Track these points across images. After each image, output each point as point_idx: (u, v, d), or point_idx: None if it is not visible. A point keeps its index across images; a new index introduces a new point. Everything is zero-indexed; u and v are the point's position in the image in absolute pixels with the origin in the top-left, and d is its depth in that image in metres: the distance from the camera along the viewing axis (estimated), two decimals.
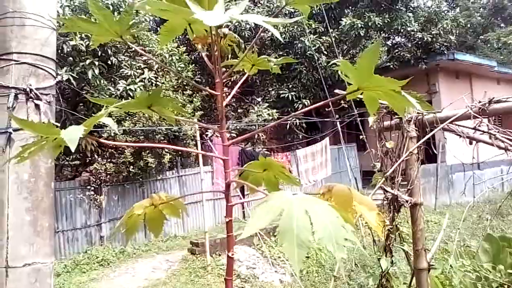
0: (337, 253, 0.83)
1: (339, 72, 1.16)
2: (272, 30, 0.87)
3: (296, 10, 12.19)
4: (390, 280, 2.32)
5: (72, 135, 0.96)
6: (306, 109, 1.34)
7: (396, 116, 2.26)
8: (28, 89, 2.28)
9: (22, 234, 2.15)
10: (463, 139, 2.34)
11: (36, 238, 2.20)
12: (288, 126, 11.94)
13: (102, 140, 1.18)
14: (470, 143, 2.41)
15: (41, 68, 2.37)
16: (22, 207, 2.21)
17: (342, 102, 8.30)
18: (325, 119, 11.13)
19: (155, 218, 1.54)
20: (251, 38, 12.40)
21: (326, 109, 9.02)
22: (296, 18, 1.18)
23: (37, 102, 2.31)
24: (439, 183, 12.72)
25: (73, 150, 0.94)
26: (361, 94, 1.18)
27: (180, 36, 12.19)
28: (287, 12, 12.84)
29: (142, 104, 1.36)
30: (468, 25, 22.10)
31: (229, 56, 1.39)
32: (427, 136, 2.07)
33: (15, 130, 2.28)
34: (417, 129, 2.20)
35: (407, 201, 2.07)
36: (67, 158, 9.83)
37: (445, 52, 13.82)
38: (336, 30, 13.49)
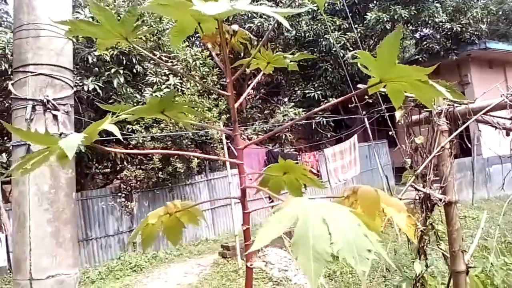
0: (359, 266, 0.74)
1: (359, 65, 1.06)
2: (281, 20, 0.79)
3: (318, 8, 12.04)
4: (425, 284, 2.18)
5: (70, 144, 0.91)
6: (325, 105, 1.25)
7: (425, 110, 2.12)
8: (45, 100, 2.27)
9: (44, 246, 2.13)
10: (499, 130, 2.18)
11: (58, 249, 2.18)
12: (313, 126, 11.77)
13: (107, 148, 1.11)
14: (507, 134, 2.25)
15: (58, 79, 2.35)
16: (43, 219, 2.19)
17: (366, 97, 8.06)
18: (353, 116, 10.91)
19: (172, 227, 1.48)
20: (275, 38, 12.34)
21: (351, 106, 8.82)
22: (305, 8, 1.08)
23: (54, 112, 2.30)
24: (475, 177, 12.26)
25: (70, 158, 0.88)
26: (384, 87, 1.08)
27: None
28: (310, 11, 12.70)
29: (154, 109, 1.31)
30: (500, 12, 21.28)
31: (242, 54, 1.31)
32: (459, 129, 1.93)
33: None
34: (448, 122, 2.06)
35: (440, 200, 1.93)
36: (99, 166, 10.00)
37: (476, 41, 13.35)
38: (361, 25, 13.23)
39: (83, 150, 7.10)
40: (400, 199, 1.91)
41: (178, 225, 1.47)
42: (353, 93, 1.24)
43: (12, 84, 2.33)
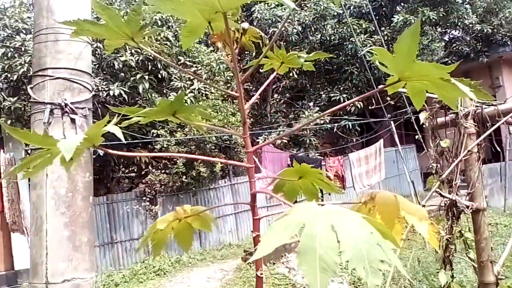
0: (370, 278, 0.67)
1: (377, 63, 0.99)
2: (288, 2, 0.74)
3: (344, 12, 11.91)
4: None
5: (68, 145, 0.87)
6: (342, 105, 1.19)
7: (451, 111, 2.01)
8: (63, 104, 2.28)
9: (60, 250, 2.13)
10: None
11: (75, 253, 2.18)
12: (334, 129, 11.61)
13: (113, 152, 1.08)
14: None
15: (76, 82, 2.36)
16: (60, 223, 2.19)
17: (389, 98, 7.89)
18: (378, 120, 10.71)
19: (183, 232, 1.44)
20: (299, 42, 12.24)
21: (376, 109, 8.64)
22: None
23: (72, 116, 2.30)
24: (508, 183, 11.82)
25: (67, 160, 0.85)
26: (404, 86, 1.01)
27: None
28: (335, 14, 12.56)
29: (166, 112, 1.27)
30: None
31: (253, 53, 1.26)
32: (487, 132, 1.82)
33: None
34: (476, 124, 1.95)
35: (467, 207, 1.82)
36: (125, 170, 10.13)
37: (508, 43, 12.92)
38: (388, 28, 13.00)
39: (101, 154, 7.15)
40: (424, 206, 1.81)
41: (189, 230, 1.43)
42: (371, 92, 1.16)
43: (31, 88, 2.36)
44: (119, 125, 1.25)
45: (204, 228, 1.45)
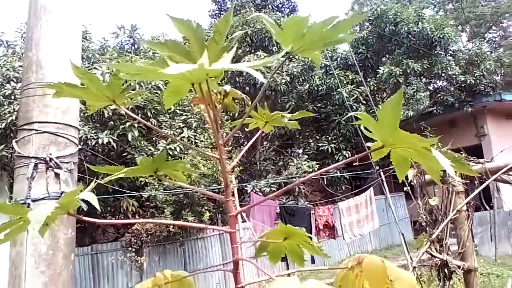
0: None
1: (362, 127, 0.99)
2: (253, 73, 0.74)
3: (331, 62, 12.26)
4: None
5: (38, 217, 0.84)
6: (340, 163, 1.17)
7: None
8: (48, 158, 2.24)
9: None
10: None
11: None
12: (325, 180, 11.61)
13: (86, 218, 1.04)
14: None
15: (62, 136, 2.34)
16: (39, 282, 2.10)
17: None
18: (366, 171, 10.75)
19: None
20: (287, 92, 12.46)
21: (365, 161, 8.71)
22: (276, 57, 1.03)
23: (57, 171, 2.26)
24: (498, 231, 11.77)
25: (36, 230, 0.82)
26: (389, 152, 1.00)
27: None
28: (323, 65, 12.89)
29: (147, 169, 1.26)
30: None
31: (236, 114, 1.26)
32: (476, 191, 1.81)
33: (34, 200, 2.22)
34: (464, 182, 1.94)
35: (459, 267, 1.78)
36: (112, 219, 9.92)
37: (491, 93, 13.32)
38: (374, 79, 13.35)
39: (85, 209, 6.99)
40: (415, 267, 1.77)
41: None
42: (356, 156, 1.16)
43: (16, 142, 2.32)
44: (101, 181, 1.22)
45: None
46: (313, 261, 8.94)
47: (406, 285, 1.05)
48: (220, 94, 1.20)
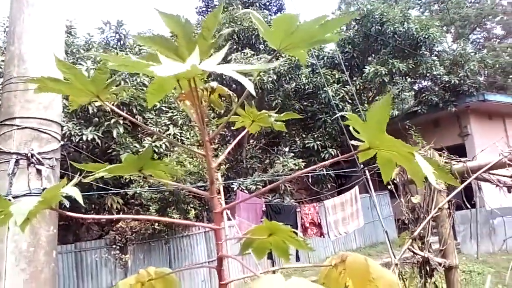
0: None
1: (350, 128, 0.99)
2: (243, 81, 0.73)
3: (318, 61, 12.29)
4: None
5: (21, 210, 0.83)
6: (327, 162, 1.18)
7: None
8: (29, 154, 2.21)
9: None
10: (499, 188, 2.09)
11: None
12: (309, 177, 11.65)
13: (69, 213, 1.03)
14: (509, 191, 2.16)
15: (45, 132, 2.30)
16: (19, 280, 2.06)
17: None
18: (352, 170, 10.83)
19: None
20: (274, 90, 12.47)
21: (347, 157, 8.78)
22: (271, 65, 1.03)
23: (38, 167, 2.23)
24: (479, 229, 11.97)
25: (18, 224, 0.80)
26: (375, 154, 1.00)
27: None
28: (309, 63, 12.93)
29: (132, 167, 1.23)
30: (497, 65, 21.76)
31: (222, 112, 1.26)
32: (457, 190, 1.84)
33: (15, 197, 2.18)
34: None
35: (440, 264, 1.80)
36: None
37: (475, 93, 13.53)
38: (360, 78, 13.45)
39: (67, 206, 6.92)
40: (397, 264, 1.79)
41: None
42: (343, 157, 1.16)
43: None
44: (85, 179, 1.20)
45: None
46: (298, 259, 8.98)
47: (388, 284, 1.06)
48: (207, 90, 1.19)
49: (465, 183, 1.86)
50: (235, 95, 1.29)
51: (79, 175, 1.15)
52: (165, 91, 1.26)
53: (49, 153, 2.31)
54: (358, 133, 0.95)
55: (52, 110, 2.37)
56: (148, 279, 1.32)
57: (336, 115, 11.16)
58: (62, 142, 2.46)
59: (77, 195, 0.96)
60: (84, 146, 8.42)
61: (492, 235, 12.71)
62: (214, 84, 1.18)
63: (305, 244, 1.39)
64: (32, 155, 2.22)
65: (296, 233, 1.33)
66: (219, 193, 7.96)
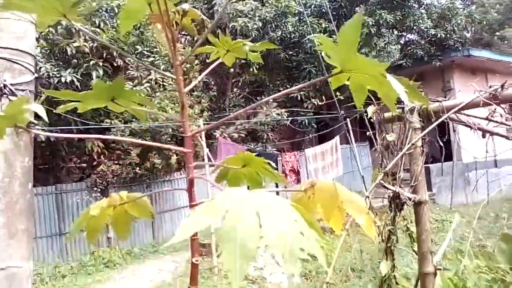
0: (287, 266, 0.65)
1: (322, 53, 0.99)
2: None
3: (305, 10, 12.00)
4: (391, 285, 2.12)
5: None
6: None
7: (398, 106, 2.06)
8: (1, 85, 2.15)
9: None
10: (474, 131, 2.14)
11: (10, 241, 2.07)
12: (288, 123, 11.72)
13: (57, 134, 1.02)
14: (483, 136, 2.21)
15: (17, 63, 2.23)
16: None
17: (338, 93, 8.07)
18: (333, 115, 10.90)
19: (120, 220, 1.39)
20: (259, 38, 12.22)
21: (330, 106, 8.84)
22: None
23: (12, 98, 2.18)
24: (455, 181, 12.40)
25: None
26: (348, 79, 1.01)
27: (189, 37, 12.08)
28: (296, 11, 12.65)
29: (103, 96, 1.20)
30: (484, 22, 21.61)
31: (195, 38, 1.23)
32: (431, 126, 1.88)
33: None
34: (421, 119, 2.01)
35: (409, 199, 1.88)
36: (76, 160, 9.80)
37: (460, 48, 13.50)
38: None
39: (43, 140, 6.80)
40: (368, 197, 1.86)
41: (127, 218, 1.38)
42: (310, 82, 1.16)
43: None
44: (63, 112, 1.18)
45: (143, 215, 1.41)
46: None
47: (356, 208, 1.09)
48: (178, 13, 1.16)
49: (439, 120, 1.89)
50: (208, 20, 1.26)
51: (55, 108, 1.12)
52: (137, 17, 1.23)
53: (22, 85, 2.25)
54: (330, 58, 0.95)
55: (25, 40, 2.29)
56: (120, 203, 1.35)
57: (308, 37, 11.00)
58: (36, 75, 2.41)
59: (42, 112, 0.95)
60: (63, 89, 8.25)
61: (467, 187, 13.19)
62: (186, 6, 1.15)
63: (278, 175, 1.41)
64: (5, 86, 2.16)
65: (270, 164, 1.35)
66: (201, 137, 7.99)
